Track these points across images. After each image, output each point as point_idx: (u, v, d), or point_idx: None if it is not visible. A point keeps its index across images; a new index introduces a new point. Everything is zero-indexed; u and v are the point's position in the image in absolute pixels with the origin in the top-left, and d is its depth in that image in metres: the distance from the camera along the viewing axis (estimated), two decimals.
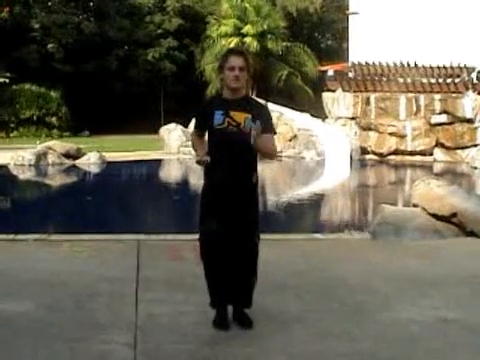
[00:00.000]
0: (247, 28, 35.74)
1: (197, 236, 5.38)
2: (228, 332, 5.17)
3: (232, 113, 5.16)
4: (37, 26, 39.65)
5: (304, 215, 14.22)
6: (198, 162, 5.27)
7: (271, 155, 5.42)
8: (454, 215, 9.15)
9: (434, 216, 9.27)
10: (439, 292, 6.46)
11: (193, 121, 5.20)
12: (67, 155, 21.67)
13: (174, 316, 5.61)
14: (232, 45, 34.27)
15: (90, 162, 21.48)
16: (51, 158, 21.23)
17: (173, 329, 5.31)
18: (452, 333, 5.32)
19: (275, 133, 5.33)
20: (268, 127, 5.18)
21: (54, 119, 37.83)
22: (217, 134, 5.19)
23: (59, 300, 6.02)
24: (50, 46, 39.38)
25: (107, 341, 5.03)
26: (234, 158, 5.16)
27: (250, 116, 5.14)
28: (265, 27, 36.01)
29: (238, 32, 35.88)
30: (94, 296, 6.15)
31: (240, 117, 5.15)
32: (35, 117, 37.40)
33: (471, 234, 9.09)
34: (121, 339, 5.07)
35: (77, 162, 21.48)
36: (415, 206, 9.67)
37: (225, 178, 5.19)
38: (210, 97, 5.78)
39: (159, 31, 43.29)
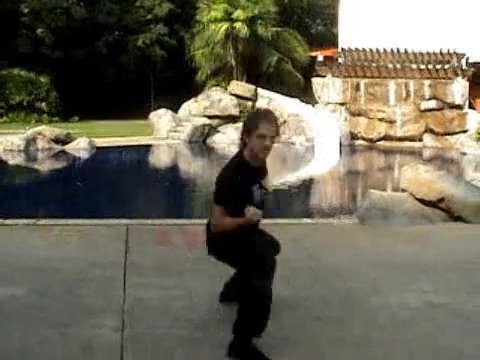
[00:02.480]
0: (237, 13, 35.52)
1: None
2: (219, 316, 5.20)
3: (263, 183, 4.88)
4: (26, 11, 39.32)
5: (293, 200, 14.22)
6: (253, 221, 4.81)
7: None
8: (441, 200, 9.20)
9: (422, 201, 9.32)
10: (428, 277, 6.49)
11: (223, 190, 4.40)
12: (56, 140, 21.59)
13: (164, 300, 5.63)
14: (222, 30, 34.08)
15: (79, 147, 21.41)
16: (40, 143, 21.17)
17: (163, 313, 5.33)
18: (441, 317, 5.37)
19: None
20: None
21: (44, 104, 37.54)
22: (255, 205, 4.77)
23: (49, 285, 6.03)
24: (39, 31, 39.07)
25: (97, 326, 5.06)
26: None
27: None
28: (255, 12, 35.79)
29: (228, 17, 35.66)
30: (84, 281, 6.16)
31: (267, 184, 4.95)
32: (25, 102, 37.09)
33: (458, 219, 9.14)
34: (111, 323, 5.09)
35: (66, 147, 21.40)
36: (403, 191, 9.70)
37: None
38: (236, 168, 4.77)
39: (149, 16, 43.00)
